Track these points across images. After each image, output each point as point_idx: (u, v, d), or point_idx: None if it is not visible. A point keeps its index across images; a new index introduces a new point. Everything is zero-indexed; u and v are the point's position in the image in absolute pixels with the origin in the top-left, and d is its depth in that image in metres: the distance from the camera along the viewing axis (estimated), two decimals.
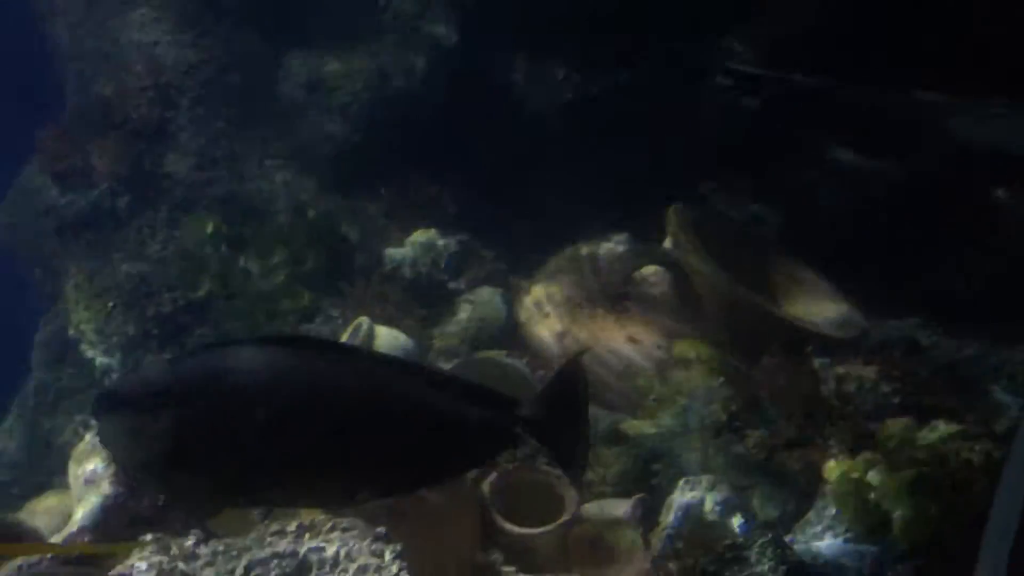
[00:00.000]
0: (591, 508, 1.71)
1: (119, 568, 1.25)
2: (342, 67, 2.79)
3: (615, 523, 1.67)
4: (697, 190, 2.53)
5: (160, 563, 1.27)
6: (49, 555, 1.45)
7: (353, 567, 1.34)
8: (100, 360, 2.35)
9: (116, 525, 1.60)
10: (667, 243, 2.12)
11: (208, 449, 0.95)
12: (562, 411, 0.89)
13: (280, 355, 1.01)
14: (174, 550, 1.31)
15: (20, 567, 1.30)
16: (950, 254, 2.39)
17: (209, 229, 2.55)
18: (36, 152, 2.71)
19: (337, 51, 2.81)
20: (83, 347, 2.36)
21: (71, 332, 2.38)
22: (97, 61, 2.86)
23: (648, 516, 1.71)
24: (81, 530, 1.59)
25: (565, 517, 1.65)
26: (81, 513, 1.62)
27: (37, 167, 2.71)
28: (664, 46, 2.67)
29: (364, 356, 1.17)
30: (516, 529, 1.63)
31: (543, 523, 1.68)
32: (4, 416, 2.57)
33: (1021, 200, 2.42)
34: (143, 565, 1.25)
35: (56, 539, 1.58)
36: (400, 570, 1.34)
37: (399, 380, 1.07)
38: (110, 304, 2.36)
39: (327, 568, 1.33)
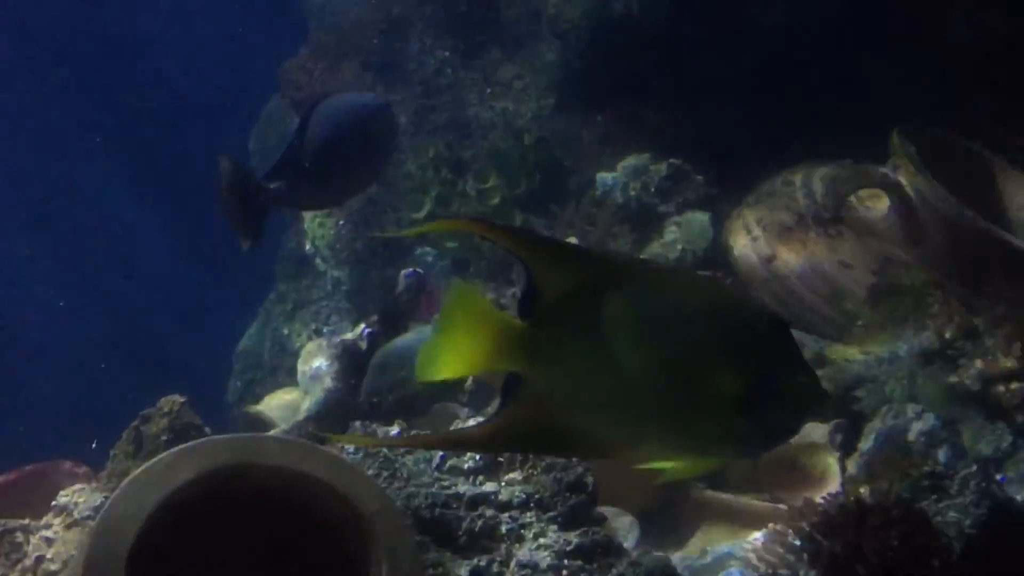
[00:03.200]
0: None
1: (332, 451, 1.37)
2: None
3: (811, 447, 1.64)
4: (940, 113, 2.37)
5: (367, 448, 1.38)
6: None
7: (541, 465, 1.40)
8: (332, 273, 2.55)
9: (335, 415, 1.75)
10: (888, 165, 2.01)
11: None
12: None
13: None
14: (379, 433, 1.42)
15: None
16: None
17: (431, 154, 2.68)
18: (279, 83, 2.93)
19: None
20: (317, 261, 2.56)
21: (307, 247, 2.59)
22: None
23: (848, 443, 1.67)
24: (307, 419, 1.76)
25: None
26: (307, 405, 1.79)
27: (280, 97, 2.94)
28: None
29: None
30: None
31: None
32: (252, 322, 2.85)
33: None
34: (351, 447, 1.38)
35: (285, 427, 1.76)
36: (585, 470, 1.39)
37: None
38: (340, 222, 2.54)
39: (516, 463, 1.40)
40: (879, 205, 2.02)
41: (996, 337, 1.57)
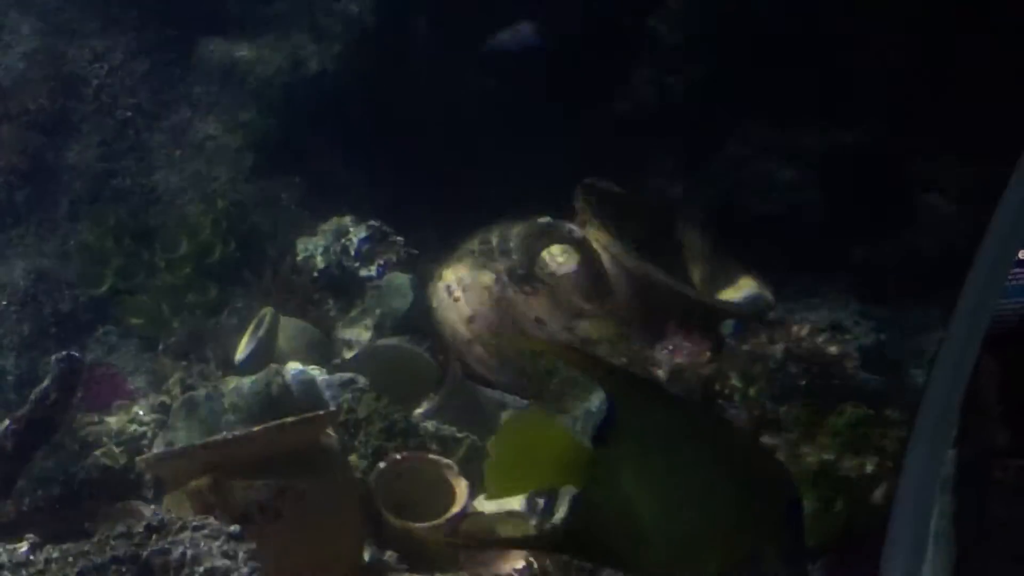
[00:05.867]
0: (486, 500, 1.63)
1: None
2: (254, 53, 2.69)
3: (509, 516, 1.58)
4: (625, 171, 2.46)
5: None
6: None
7: (200, 570, 1.24)
8: None
9: None
10: (576, 221, 2.03)
11: None
12: None
13: None
14: (3, 557, 1.21)
15: None
16: (879, 233, 2.33)
17: (112, 222, 2.45)
18: None
19: (250, 37, 2.72)
20: None
21: None
22: None
23: (548, 508, 1.63)
24: None
25: (454, 510, 1.56)
26: None
27: None
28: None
29: None
30: (401, 524, 1.55)
31: (438, 517, 1.60)
32: None
33: (948, 176, 2.35)
34: None
35: None
36: (252, 571, 1.25)
37: None
38: (3, 302, 2.25)
39: (171, 572, 1.23)
40: (570, 260, 2.04)
41: (676, 388, 1.60)
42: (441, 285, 2.18)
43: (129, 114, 2.66)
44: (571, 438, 0.94)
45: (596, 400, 1.69)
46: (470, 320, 2.08)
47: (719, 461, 0.95)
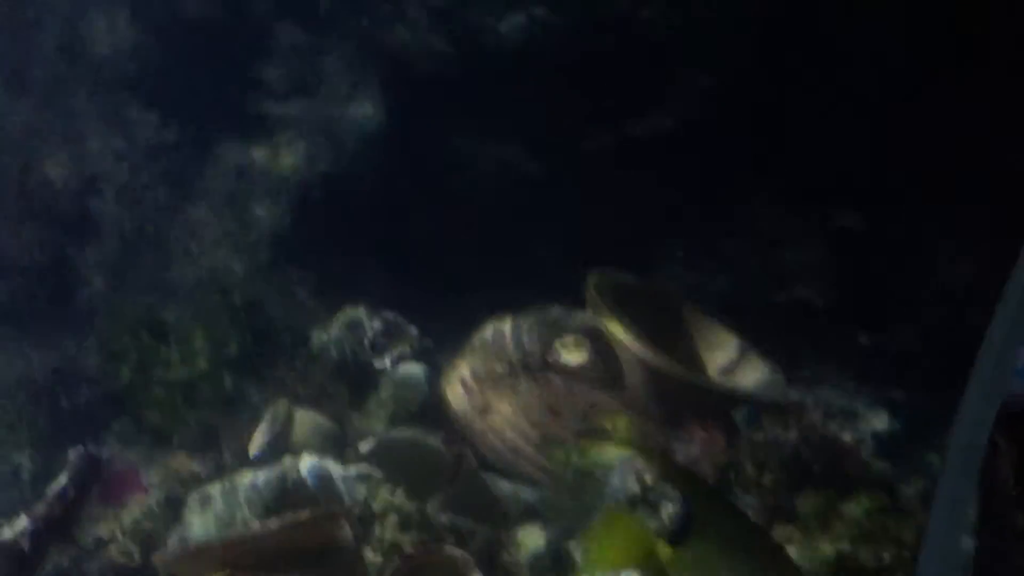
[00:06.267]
0: None
1: None
2: (270, 151, 2.77)
3: None
4: (634, 259, 2.49)
5: None
6: None
7: None
8: (11, 458, 2.26)
9: None
10: (588, 310, 2.06)
11: None
12: None
13: None
14: None
15: None
16: (896, 318, 2.34)
17: (129, 316, 2.48)
18: None
19: (266, 136, 2.80)
20: None
21: None
22: (23, 153, 2.82)
23: None
24: None
25: None
26: None
27: None
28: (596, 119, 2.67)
29: None
30: None
31: None
32: None
33: (963, 260, 2.37)
34: None
35: None
36: None
37: None
38: (20, 397, 2.27)
39: None
40: (583, 350, 2.05)
41: None
42: (454, 376, 2.20)
43: (148, 211, 2.72)
44: (652, 537, 1.08)
45: (609, 494, 1.69)
46: (483, 412, 2.09)
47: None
